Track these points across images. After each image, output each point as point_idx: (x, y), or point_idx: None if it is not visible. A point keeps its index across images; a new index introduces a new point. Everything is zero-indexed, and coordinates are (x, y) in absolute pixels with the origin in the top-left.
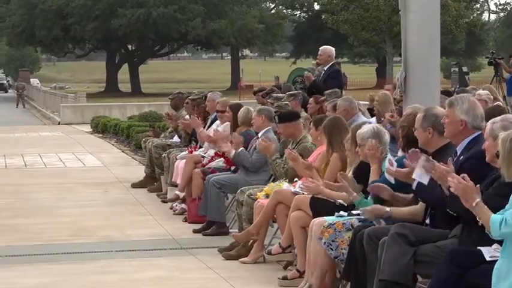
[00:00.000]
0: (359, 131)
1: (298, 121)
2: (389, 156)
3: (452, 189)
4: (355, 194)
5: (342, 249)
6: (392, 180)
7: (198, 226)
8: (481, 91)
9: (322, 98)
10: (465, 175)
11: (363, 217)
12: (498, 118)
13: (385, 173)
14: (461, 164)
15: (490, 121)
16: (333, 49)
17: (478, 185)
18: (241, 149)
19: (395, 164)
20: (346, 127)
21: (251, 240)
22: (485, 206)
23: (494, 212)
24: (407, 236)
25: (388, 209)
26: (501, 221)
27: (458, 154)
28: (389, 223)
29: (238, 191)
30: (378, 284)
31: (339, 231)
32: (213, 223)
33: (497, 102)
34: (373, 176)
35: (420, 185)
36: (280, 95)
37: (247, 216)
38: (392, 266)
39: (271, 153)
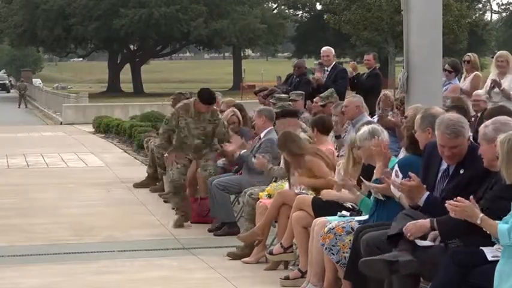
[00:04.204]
0: (357, 133)
1: (293, 119)
2: (396, 167)
3: (452, 215)
4: (358, 193)
5: (343, 252)
6: (396, 193)
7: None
8: (479, 91)
9: (322, 103)
10: (459, 197)
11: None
12: (489, 121)
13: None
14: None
15: (482, 125)
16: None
17: (471, 197)
18: (244, 150)
19: (400, 175)
20: (296, 135)
21: (256, 241)
22: (490, 219)
23: (500, 216)
24: (412, 216)
25: (397, 195)
26: (509, 230)
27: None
28: (379, 221)
29: (242, 192)
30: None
31: (339, 235)
32: (224, 223)
33: (502, 103)
34: (376, 174)
35: (426, 204)
36: (283, 95)
37: (249, 216)
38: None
39: (266, 166)
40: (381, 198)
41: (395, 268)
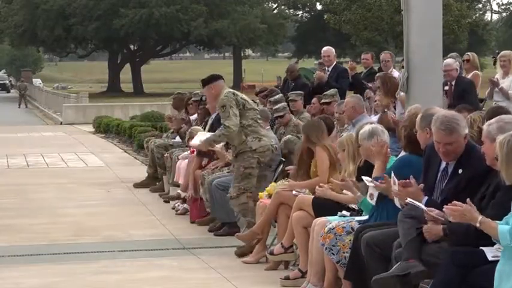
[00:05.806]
0: (359, 132)
1: (217, 82)
2: (393, 175)
3: (450, 219)
4: (359, 193)
5: (343, 252)
6: (398, 204)
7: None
8: (448, 60)
9: (327, 100)
10: (456, 202)
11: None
12: (493, 120)
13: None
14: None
15: (486, 123)
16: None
17: (468, 200)
18: None
19: (397, 181)
20: (324, 126)
21: (255, 240)
22: (489, 220)
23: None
24: (413, 216)
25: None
26: (510, 231)
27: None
28: (379, 221)
29: None
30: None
31: (340, 235)
32: (224, 223)
33: (499, 104)
34: (375, 173)
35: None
36: (278, 96)
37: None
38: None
39: None
40: (372, 202)
41: (408, 280)
